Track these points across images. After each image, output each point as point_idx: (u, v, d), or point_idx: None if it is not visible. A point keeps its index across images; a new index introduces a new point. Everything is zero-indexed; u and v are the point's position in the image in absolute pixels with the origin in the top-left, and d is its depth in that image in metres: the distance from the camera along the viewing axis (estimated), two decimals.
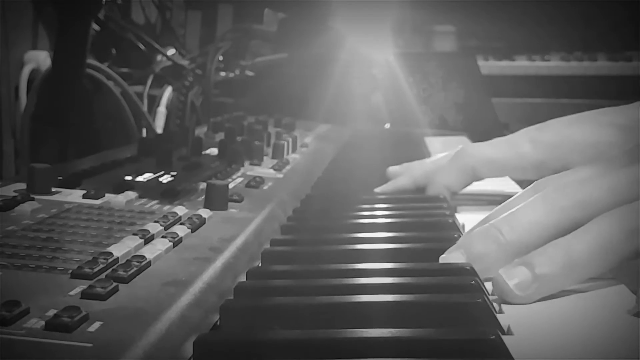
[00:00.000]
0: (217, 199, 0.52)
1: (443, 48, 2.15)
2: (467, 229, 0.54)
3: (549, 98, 1.96)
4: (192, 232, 0.45)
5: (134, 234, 0.42)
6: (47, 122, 0.97)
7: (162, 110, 1.37)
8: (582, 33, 2.10)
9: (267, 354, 0.31)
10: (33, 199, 0.49)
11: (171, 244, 0.42)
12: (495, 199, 0.67)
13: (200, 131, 0.97)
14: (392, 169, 0.71)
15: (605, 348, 0.32)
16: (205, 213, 0.49)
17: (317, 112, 1.18)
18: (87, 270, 0.35)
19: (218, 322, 0.36)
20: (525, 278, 0.38)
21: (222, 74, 1.46)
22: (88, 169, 0.62)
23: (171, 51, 1.56)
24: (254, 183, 0.61)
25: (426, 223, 0.53)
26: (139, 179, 0.61)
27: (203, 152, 0.77)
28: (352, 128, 1.21)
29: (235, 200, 0.54)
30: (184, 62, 1.49)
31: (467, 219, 0.56)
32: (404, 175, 0.68)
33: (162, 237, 0.43)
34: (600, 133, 0.58)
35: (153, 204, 0.52)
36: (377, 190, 0.68)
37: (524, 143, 0.61)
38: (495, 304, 0.37)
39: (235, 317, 0.35)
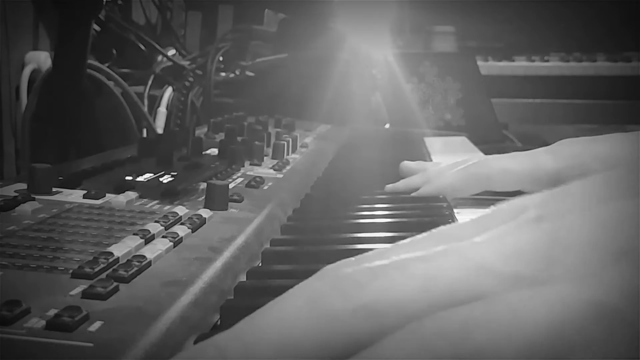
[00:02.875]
0: (218, 199, 0.52)
1: (443, 48, 2.15)
2: None
3: (548, 98, 1.96)
4: (192, 232, 0.45)
5: (134, 234, 0.42)
6: (47, 122, 0.97)
7: (162, 110, 1.38)
8: (582, 34, 2.10)
9: None
10: (34, 199, 0.49)
11: (171, 243, 0.42)
12: (495, 200, 0.67)
13: (201, 131, 0.97)
14: (407, 164, 0.71)
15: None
16: (205, 213, 0.49)
17: (317, 112, 1.18)
18: (87, 270, 0.35)
19: (218, 322, 0.36)
20: None
21: (223, 74, 1.46)
22: (89, 169, 0.62)
23: (171, 52, 1.57)
24: (254, 183, 0.62)
25: (426, 223, 0.53)
26: (140, 179, 0.61)
27: (203, 152, 0.77)
28: (352, 128, 1.21)
29: (235, 200, 0.54)
30: (185, 63, 1.49)
31: (467, 219, 0.56)
32: (419, 175, 0.68)
33: (163, 237, 0.43)
34: (624, 146, 0.57)
35: (153, 204, 0.52)
36: (388, 187, 0.67)
37: (543, 154, 0.61)
38: None
39: (235, 317, 0.35)
